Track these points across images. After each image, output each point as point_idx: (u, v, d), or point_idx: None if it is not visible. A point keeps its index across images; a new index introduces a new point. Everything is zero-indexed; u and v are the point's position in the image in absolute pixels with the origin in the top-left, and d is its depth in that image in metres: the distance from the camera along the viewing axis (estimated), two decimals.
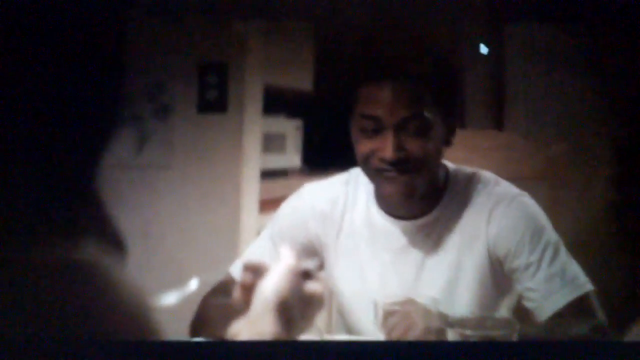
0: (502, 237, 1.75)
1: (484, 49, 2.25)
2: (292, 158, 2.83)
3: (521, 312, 1.79)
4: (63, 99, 0.96)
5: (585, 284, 1.73)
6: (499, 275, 1.77)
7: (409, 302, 1.62)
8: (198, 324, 1.78)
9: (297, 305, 1.15)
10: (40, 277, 0.90)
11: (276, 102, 2.79)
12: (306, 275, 1.19)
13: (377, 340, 1.61)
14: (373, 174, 1.75)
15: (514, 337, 1.49)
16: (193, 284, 2.02)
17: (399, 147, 1.69)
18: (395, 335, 1.58)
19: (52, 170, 0.95)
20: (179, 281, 2.08)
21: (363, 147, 1.73)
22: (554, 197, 2.15)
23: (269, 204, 2.60)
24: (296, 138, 2.84)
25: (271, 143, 2.81)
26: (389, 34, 1.77)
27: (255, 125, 2.76)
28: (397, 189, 1.72)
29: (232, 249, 2.64)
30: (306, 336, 1.21)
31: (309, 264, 1.21)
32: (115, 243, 0.98)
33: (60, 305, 0.90)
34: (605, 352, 1.46)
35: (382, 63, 1.73)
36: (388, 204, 1.81)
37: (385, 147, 1.69)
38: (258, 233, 1.95)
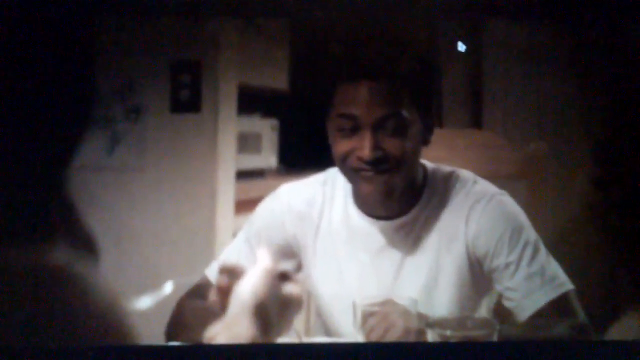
0: (481, 236, 1.75)
1: (461, 47, 2.24)
2: (268, 158, 2.82)
3: (501, 311, 1.79)
4: (33, 101, 0.95)
5: (565, 283, 1.73)
6: (478, 275, 1.77)
7: (388, 303, 1.62)
8: (174, 328, 1.77)
9: (274, 307, 1.15)
10: (11, 281, 0.89)
11: (251, 102, 2.78)
12: (284, 277, 1.19)
13: (356, 341, 1.60)
14: (351, 173, 1.74)
15: (494, 337, 1.50)
16: (168, 287, 2.00)
17: (376, 146, 1.69)
18: (375, 337, 1.58)
19: (22, 173, 0.94)
20: (154, 284, 2.05)
21: (340, 146, 1.72)
22: (533, 195, 2.15)
23: (245, 205, 2.58)
24: (272, 138, 2.83)
25: (247, 143, 2.79)
26: (367, 33, 1.76)
27: (230, 125, 2.74)
28: (375, 189, 1.72)
29: (208, 251, 2.62)
30: (284, 339, 1.21)
31: (287, 266, 1.20)
32: (88, 247, 0.97)
33: (32, 310, 0.89)
34: (585, 351, 1.46)
35: (360, 62, 1.72)
36: (366, 204, 1.80)
37: (363, 147, 1.69)
38: (234, 235, 1.94)
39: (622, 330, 1.70)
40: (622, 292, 1.96)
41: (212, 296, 1.18)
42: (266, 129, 2.82)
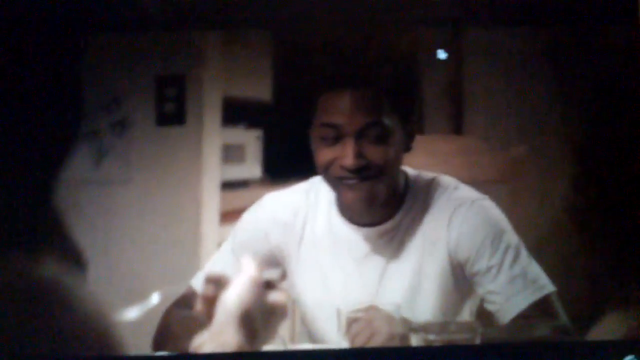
0: (463, 241, 1.76)
1: (442, 55, 2.26)
2: (252, 168, 2.82)
3: (484, 315, 1.80)
4: (19, 115, 0.95)
5: (546, 286, 1.74)
6: (460, 279, 1.78)
7: (372, 308, 1.63)
8: (161, 338, 1.77)
9: (259, 316, 1.15)
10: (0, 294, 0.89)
11: (235, 113, 2.78)
12: (268, 285, 1.19)
13: (341, 348, 1.61)
14: (334, 182, 1.76)
15: (477, 341, 1.50)
16: (155, 298, 2.01)
17: (359, 154, 1.70)
18: (359, 342, 1.58)
19: (10, 187, 0.95)
20: (141, 295, 2.06)
21: (323, 155, 1.73)
22: (515, 200, 2.16)
23: (230, 215, 2.59)
24: (256, 148, 2.83)
25: (231, 154, 2.80)
26: (348, 43, 1.78)
27: (214, 136, 2.75)
28: (358, 196, 1.73)
29: (194, 262, 2.62)
30: (270, 347, 1.21)
31: (271, 275, 1.21)
32: (75, 258, 0.97)
33: (20, 322, 0.89)
34: (567, 353, 1.47)
35: (342, 72, 1.74)
36: (349, 212, 1.81)
37: (346, 155, 1.70)
38: (219, 245, 1.95)
39: (603, 330, 1.71)
40: (602, 294, 1.98)
41: (198, 306, 1.18)
42: (250, 139, 2.82)
